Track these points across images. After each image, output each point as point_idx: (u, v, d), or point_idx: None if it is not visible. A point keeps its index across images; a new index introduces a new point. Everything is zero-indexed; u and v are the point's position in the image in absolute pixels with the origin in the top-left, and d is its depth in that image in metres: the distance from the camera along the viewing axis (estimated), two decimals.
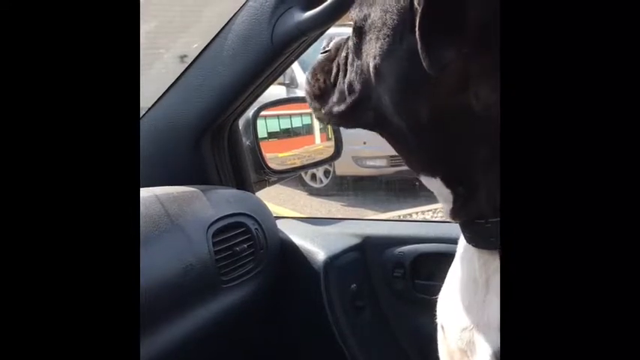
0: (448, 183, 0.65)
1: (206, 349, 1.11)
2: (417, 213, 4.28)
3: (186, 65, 1.24)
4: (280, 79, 3.35)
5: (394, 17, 0.61)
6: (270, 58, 1.12)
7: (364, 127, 0.72)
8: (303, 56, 1.21)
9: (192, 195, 1.13)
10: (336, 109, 0.73)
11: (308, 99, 0.78)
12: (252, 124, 1.32)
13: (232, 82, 1.17)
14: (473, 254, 0.68)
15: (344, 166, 4.88)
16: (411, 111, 0.62)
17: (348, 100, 0.70)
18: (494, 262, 0.64)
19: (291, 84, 5.43)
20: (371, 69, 0.64)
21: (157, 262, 0.95)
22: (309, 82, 0.77)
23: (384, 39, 0.62)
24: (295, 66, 5.36)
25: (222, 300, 1.09)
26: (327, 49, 0.77)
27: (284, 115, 1.45)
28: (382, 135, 0.70)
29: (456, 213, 0.66)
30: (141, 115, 1.29)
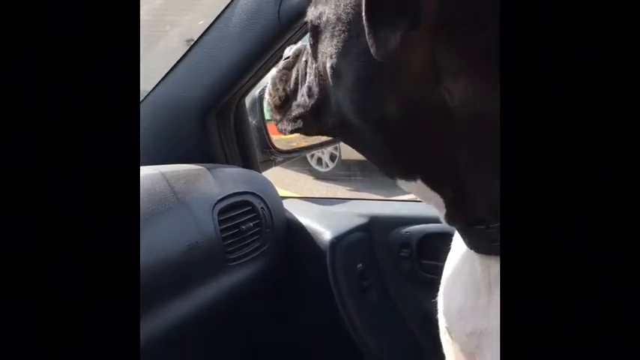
0: (431, 185, 0.60)
1: (211, 327, 1.11)
2: None
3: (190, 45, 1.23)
4: None
5: (348, 10, 0.56)
6: (277, 35, 1.11)
7: (328, 134, 0.68)
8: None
9: (199, 173, 1.13)
10: (294, 114, 0.70)
11: (269, 111, 0.75)
12: (259, 103, 1.31)
13: (238, 59, 1.16)
14: (474, 259, 0.64)
15: (350, 150, 4.81)
16: (376, 110, 0.57)
17: (308, 104, 0.66)
18: (496, 267, 0.61)
19: None
20: (328, 69, 0.60)
21: (162, 240, 0.95)
22: (269, 94, 0.74)
23: (340, 35, 0.57)
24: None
25: (227, 278, 1.09)
26: (287, 56, 0.74)
27: None
28: (347, 142, 0.66)
29: (452, 218, 0.61)
30: (147, 93, 1.28)
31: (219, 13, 1.18)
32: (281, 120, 0.73)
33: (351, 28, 0.56)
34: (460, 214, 0.60)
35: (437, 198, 0.60)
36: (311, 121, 0.68)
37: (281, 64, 0.74)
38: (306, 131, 0.71)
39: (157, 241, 0.94)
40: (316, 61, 0.63)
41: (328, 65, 0.59)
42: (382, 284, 1.32)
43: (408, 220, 1.27)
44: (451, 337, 0.70)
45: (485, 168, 0.54)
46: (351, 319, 1.26)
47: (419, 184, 0.60)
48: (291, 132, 0.72)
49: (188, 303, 1.00)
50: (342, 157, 5.08)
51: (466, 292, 0.66)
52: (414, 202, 1.40)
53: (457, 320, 0.68)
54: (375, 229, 1.31)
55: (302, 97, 0.68)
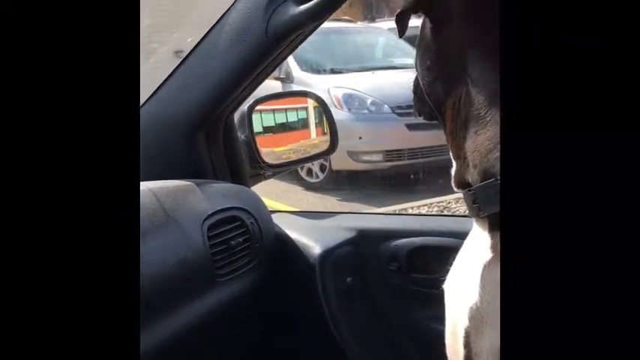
0: (454, 154, 0.74)
1: (201, 343, 1.11)
2: (412, 207, 4.29)
3: (180, 60, 1.23)
4: (275, 73, 3.35)
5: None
6: (265, 52, 1.11)
7: (429, 118, 0.84)
8: (299, 50, 1.21)
9: (188, 189, 1.13)
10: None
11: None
12: (248, 118, 1.32)
13: (227, 75, 1.17)
14: (474, 233, 0.73)
15: (339, 161, 4.88)
16: (432, 89, 0.77)
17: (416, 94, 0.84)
18: (482, 232, 0.69)
19: (287, 78, 5.42)
20: (416, 65, 0.80)
21: (152, 256, 0.95)
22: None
23: (419, 39, 0.79)
24: (291, 60, 5.35)
25: (217, 294, 1.09)
26: None
27: (279, 109, 1.45)
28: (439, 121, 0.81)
29: (455, 183, 0.74)
30: None
31: (207, 30, 1.18)
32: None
33: (421, 31, 0.78)
34: (457, 178, 0.73)
35: (454, 167, 0.74)
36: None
37: None
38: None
39: (146, 257, 0.94)
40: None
41: (416, 62, 0.80)
42: (371, 298, 1.32)
43: (397, 234, 1.28)
44: (447, 299, 0.74)
45: (481, 138, 0.68)
46: (340, 332, 1.26)
47: (450, 155, 0.76)
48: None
49: (177, 318, 1.00)
50: (332, 168, 5.09)
51: (464, 263, 0.73)
52: (403, 216, 1.41)
53: (456, 293, 0.72)
54: (364, 242, 1.32)
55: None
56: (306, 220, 1.42)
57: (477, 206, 0.68)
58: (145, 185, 1.06)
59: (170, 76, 1.23)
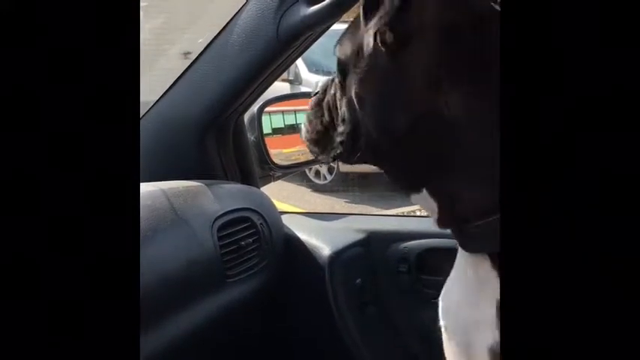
0: (433, 193, 0.67)
1: (211, 344, 1.11)
2: (420, 210, 4.27)
3: (190, 61, 1.24)
4: (284, 75, 3.35)
5: (367, 45, 0.66)
6: (275, 53, 1.12)
7: (361, 159, 0.74)
8: (308, 52, 1.21)
9: (198, 190, 1.13)
10: (337, 141, 0.76)
11: (308, 146, 0.83)
12: (257, 119, 1.32)
13: (237, 77, 1.17)
14: (465, 258, 0.69)
15: None
16: (391, 124, 0.66)
17: (344, 131, 0.74)
18: (483, 264, 0.65)
19: (295, 80, 5.43)
20: (354, 97, 0.69)
21: (162, 256, 0.96)
22: (306, 130, 0.82)
23: (361, 66, 0.68)
24: (299, 62, 5.35)
25: (227, 294, 1.09)
26: (316, 90, 0.82)
27: (288, 110, 1.45)
28: (375, 162, 0.73)
29: (442, 221, 0.68)
30: (146, 110, 1.29)
31: (218, 31, 1.19)
32: (322, 152, 0.81)
33: (369, 57, 0.66)
34: (449, 217, 0.66)
35: (434, 205, 0.67)
36: (350, 145, 0.74)
37: (312, 101, 0.83)
38: (346, 160, 0.78)
39: (157, 258, 0.95)
40: (345, 93, 0.72)
41: (354, 93, 0.69)
42: (380, 299, 1.32)
43: (407, 236, 1.28)
44: (448, 335, 0.72)
45: (472, 173, 0.62)
46: (349, 334, 1.26)
47: (424, 193, 0.67)
48: (333, 160, 0.80)
49: (187, 319, 1.00)
50: (341, 170, 5.08)
51: (460, 290, 0.70)
52: (412, 217, 1.40)
53: (452, 315, 0.71)
54: (374, 244, 1.32)
55: (339, 126, 0.75)
56: (315, 221, 1.42)
57: (481, 242, 0.64)
58: (155, 185, 1.06)
59: (180, 77, 1.24)
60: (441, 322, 0.74)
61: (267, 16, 1.09)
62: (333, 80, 0.78)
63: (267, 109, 1.35)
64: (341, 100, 0.74)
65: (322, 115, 0.80)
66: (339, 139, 0.76)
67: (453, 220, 0.67)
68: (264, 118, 1.34)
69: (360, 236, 1.32)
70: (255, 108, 1.31)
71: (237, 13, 1.16)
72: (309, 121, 0.82)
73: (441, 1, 0.62)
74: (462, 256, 0.71)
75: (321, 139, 0.80)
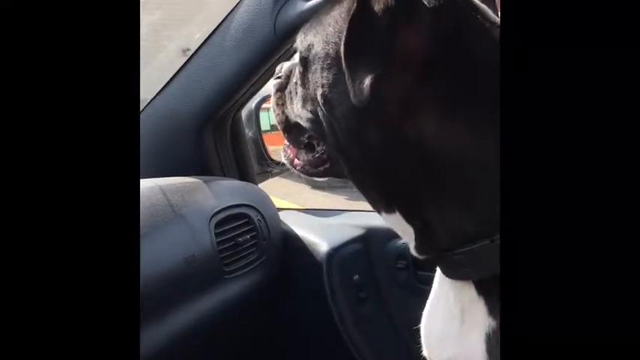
0: (406, 217, 0.62)
1: (208, 339, 1.11)
2: None
3: (187, 58, 1.24)
4: None
5: (336, 49, 0.61)
6: (272, 49, 1.12)
7: (325, 174, 0.71)
8: None
9: (195, 186, 1.13)
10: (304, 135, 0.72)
11: (282, 134, 0.78)
12: (255, 115, 1.32)
13: (234, 72, 1.17)
14: (448, 286, 0.66)
15: None
16: (364, 137, 0.61)
17: (310, 129, 0.69)
18: (468, 292, 0.63)
19: None
20: (319, 97, 0.63)
21: (159, 253, 0.96)
22: (275, 116, 0.77)
23: (329, 69, 0.62)
24: (296, 58, 5.34)
25: (224, 290, 1.09)
26: (278, 74, 0.77)
27: None
28: (348, 171, 0.67)
29: (420, 249, 0.64)
30: (143, 106, 1.29)
31: (215, 26, 1.18)
32: (294, 143, 0.76)
33: (339, 64, 0.59)
34: (427, 244, 0.63)
35: (409, 230, 0.63)
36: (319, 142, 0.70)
37: (274, 85, 0.77)
38: (309, 173, 0.74)
39: (154, 254, 0.94)
40: (305, 88, 0.67)
41: (319, 93, 0.63)
42: (378, 296, 1.32)
43: None
44: None
45: (450, 200, 0.59)
46: (347, 331, 1.26)
47: (397, 216, 0.63)
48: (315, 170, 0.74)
49: (185, 315, 1.00)
50: None
51: (442, 318, 0.68)
52: None
53: (435, 347, 0.69)
54: (372, 240, 1.32)
55: (304, 122, 0.70)
56: (313, 217, 1.42)
57: (467, 270, 0.60)
58: (152, 182, 1.06)
59: (178, 72, 1.24)
60: (425, 353, 0.71)
61: (264, 12, 1.08)
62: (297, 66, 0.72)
63: (265, 105, 1.35)
64: (298, 93, 0.69)
65: (283, 104, 0.75)
66: (306, 135, 0.72)
67: (434, 249, 0.63)
68: (262, 115, 1.34)
69: (359, 233, 1.32)
70: (252, 104, 1.31)
71: (234, 8, 1.15)
72: (274, 109, 0.77)
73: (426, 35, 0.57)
74: (441, 284, 0.68)
75: (292, 129, 0.75)
